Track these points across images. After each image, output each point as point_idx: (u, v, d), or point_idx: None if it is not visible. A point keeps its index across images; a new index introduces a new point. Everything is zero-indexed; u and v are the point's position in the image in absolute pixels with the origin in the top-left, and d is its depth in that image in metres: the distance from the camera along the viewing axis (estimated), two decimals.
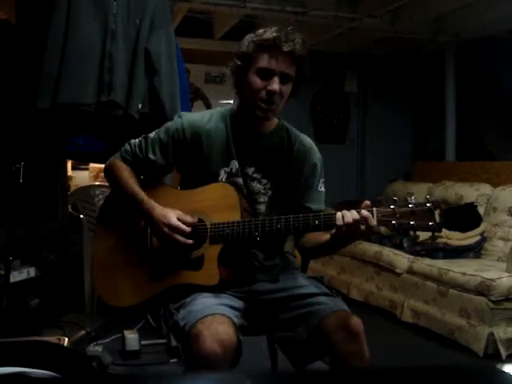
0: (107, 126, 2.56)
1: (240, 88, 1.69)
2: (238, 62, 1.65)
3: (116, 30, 2.45)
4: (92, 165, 4.44)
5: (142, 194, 1.67)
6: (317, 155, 1.79)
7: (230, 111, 1.76)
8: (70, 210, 3.31)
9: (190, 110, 3.20)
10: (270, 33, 1.59)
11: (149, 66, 2.50)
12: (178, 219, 1.61)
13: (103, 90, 2.43)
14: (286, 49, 1.58)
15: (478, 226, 3.79)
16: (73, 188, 3.93)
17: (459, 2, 4.15)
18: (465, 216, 3.90)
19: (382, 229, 4.03)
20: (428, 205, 1.45)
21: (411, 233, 1.53)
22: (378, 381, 0.82)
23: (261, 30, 1.62)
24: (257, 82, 1.62)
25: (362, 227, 1.45)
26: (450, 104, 5.10)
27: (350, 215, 1.46)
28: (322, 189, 1.78)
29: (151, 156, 1.71)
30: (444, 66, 5.14)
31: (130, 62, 2.48)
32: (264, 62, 1.60)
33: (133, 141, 1.77)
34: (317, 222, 1.53)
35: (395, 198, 1.47)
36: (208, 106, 5.04)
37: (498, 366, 2.81)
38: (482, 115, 5.44)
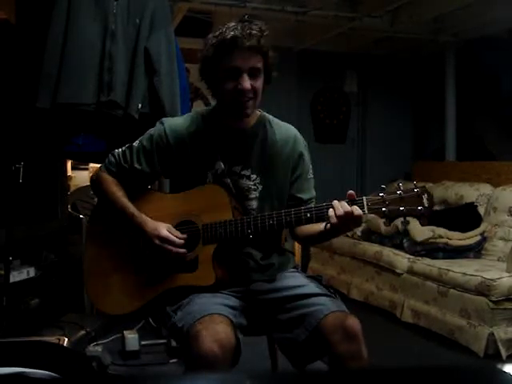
0: (107, 126, 2.56)
1: (213, 90, 1.69)
2: (204, 67, 1.65)
3: (116, 29, 2.44)
4: (92, 165, 4.42)
5: (132, 208, 1.68)
6: (302, 143, 1.79)
7: (210, 112, 1.76)
8: (69, 209, 3.31)
9: (189, 110, 3.20)
10: (227, 31, 1.57)
11: (149, 65, 2.49)
12: (169, 232, 1.63)
13: (103, 89, 2.42)
14: (246, 44, 1.57)
15: (478, 226, 3.79)
16: (72, 188, 3.93)
17: (459, 2, 4.15)
18: (465, 216, 3.90)
19: (383, 229, 4.03)
20: (416, 190, 1.48)
21: (403, 223, 1.56)
22: (377, 381, 0.81)
23: (217, 31, 1.60)
24: (227, 83, 1.61)
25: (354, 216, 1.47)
26: (450, 104, 5.10)
27: (341, 208, 1.48)
28: (311, 176, 1.79)
29: (136, 165, 1.71)
30: (444, 65, 5.14)
31: (129, 61, 2.48)
32: (229, 62, 1.59)
33: (116, 151, 1.76)
34: (309, 215, 1.55)
35: (383, 186, 1.51)
36: (208, 106, 5.03)
37: (499, 366, 2.80)
38: (481, 115, 5.44)
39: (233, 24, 1.59)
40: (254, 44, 1.57)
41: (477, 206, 3.93)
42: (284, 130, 1.78)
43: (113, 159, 1.75)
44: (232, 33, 1.57)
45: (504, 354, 2.92)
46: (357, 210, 1.47)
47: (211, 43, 1.61)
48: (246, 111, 1.65)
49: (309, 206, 1.63)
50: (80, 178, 4.45)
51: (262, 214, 1.60)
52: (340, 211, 1.48)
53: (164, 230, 1.63)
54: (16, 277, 2.61)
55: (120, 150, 1.76)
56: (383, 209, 1.48)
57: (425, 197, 1.48)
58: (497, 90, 5.07)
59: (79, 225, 3.23)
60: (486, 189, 4.01)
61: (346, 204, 1.49)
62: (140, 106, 2.46)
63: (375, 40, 5.33)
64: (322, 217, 1.54)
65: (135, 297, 1.70)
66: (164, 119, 1.78)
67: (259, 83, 1.63)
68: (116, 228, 1.75)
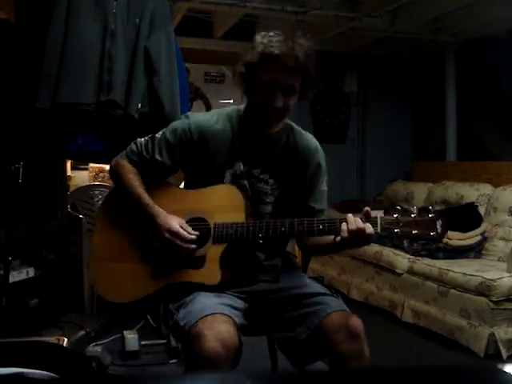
0: (107, 126, 2.56)
1: (247, 92, 1.68)
2: (243, 70, 1.64)
3: (115, 29, 2.44)
4: (92, 165, 4.42)
5: (147, 198, 1.68)
6: (321, 155, 1.81)
7: (236, 112, 1.76)
8: (69, 209, 3.31)
9: (189, 110, 3.19)
10: (275, 45, 1.56)
11: (148, 65, 2.49)
12: (181, 227, 1.62)
13: (103, 89, 2.42)
14: (289, 64, 1.57)
15: (478, 226, 3.79)
16: (72, 188, 3.93)
17: (459, 2, 4.15)
18: (465, 216, 3.89)
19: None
20: (430, 215, 1.49)
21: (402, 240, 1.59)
22: (378, 381, 0.81)
23: (267, 38, 1.58)
24: (260, 94, 1.61)
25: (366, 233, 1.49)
26: (451, 104, 5.10)
27: (355, 223, 1.50)
28: (325, 188, 1.81)
29: (158, 157, 1.71)
30: (444, 65, 5.14)
31: (129, 61, 2.47)
32: (267, 75, 1.59)
33: (139, 140, 1.77)
34: (321, 227, 1.56)
35: (398, 207, 1.53)
36: (208, 106, 5.03)
37: (499, 367, 2.80)
38: (482, 115, 5.43)
39: (282, 37, 1.57)
40: (295, 65, 1.57)
41: (477, 206, 3.92)
42: (305, 139, 1.79)
43: (135, 148, 1.75)
44: (278, 51, 1.55)
45: (504, 354, 2.91)
46: (369, 228, 1.49)
47: (257, 51, 1.59)
48: (271, 124, 1.67)
49: (320, 217, 1.65)
50: (80, 177, 4.45)
51: (275, 221, 1.61)
52: (353, 226, 1.50)
53: (176, 224, 1.62)
54: (15, 277, 2.60)
55: (142, 139, 1.76)
56: (396, 230, 1.50)
57: (439, 223, 1.48)
58: (497, 89, 5.07)
59: (79, 225, 3.23)
60: (487, 189, 4.01)
61: (359, 220, 1.50)
62: (140, 105, 2.46)
63: (375, 40, 5.33)
64: (334, 230, 1.55)
65: (139, 287, 1.69)
66: (190, 114, 1.79)
67: (292, 101, 1.64)
68: (128, 216, 1.74)
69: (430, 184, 4.55)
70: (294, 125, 1.81)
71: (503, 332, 2.94)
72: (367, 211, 1.52)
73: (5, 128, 2.61)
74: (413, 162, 5.60)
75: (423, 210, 1.50)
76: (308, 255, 1.96)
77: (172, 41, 2.60)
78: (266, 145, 1.73)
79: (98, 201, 3.47)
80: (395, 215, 1.50)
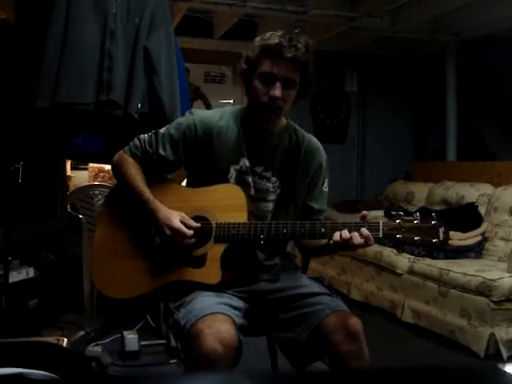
0: (106, 126, 2.56)
1: (247, 89, 1.71)
2: (244, 66, 1.68)
3: (115, 29, 2.43)
4: (91, 165, 4.42)
5: (148, 194, 1.67)
6: (323, 155, 1.82)
7: (240, 111, 1.77)
8: (69, 210, 3.31)
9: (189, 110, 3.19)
10: (274, 38, 1.61)
11: (148, 65, 2.49)
12: (181, 222, 1.61)
13: (102, 89, 2.41)
14: (288, 55, 1.59)
15: (478, 226, 3.78)
16: (72, 188, 3.93)
17: (459, 2, 4.14)
18: (466, 216, 3.89)
19: None
20: (433, 222, 1.49)
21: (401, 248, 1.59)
22: (378, 381, 0.81)
23: (267, 34, 1.64)
24: (260, 86, 1.64)
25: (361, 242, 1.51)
26: (451, 103, 5.10)
27: (342, 236, 1.52)
28: (326, 189, 1.82)
29: (161, 152, 1.71)
30: (444, 65, 5.14)
31: (129, 61, 2.47)
32: (266, 67, 1.62)
33: (142, 136, 1.76)
34: (323, 230, 1.57)
35: (401, 213, 1.52)
36: (208, 106, 5.03)
37: (500, 367, 2.80)
38: (482, 115, 5.43)
39: (281, 32, 1.62)
40: (295, 56, 1.60)
41: (477, 206, 3.92)
42: (308, 140, 1.80)
43: (138, 143, 1.75)
44: (277, 40, 1.60)
45: (505, 354, 2.91)
46: (356, 238, 1.50)
47: (257, 44, 1.64)
48: (270, 117, 1.68)
49: (319, 217, 1.68)
50: (79, 177, 4.45)
51: (277, 222, 1.62)
52: (337, 238, 1.52)
53: (177, 220, 1.61)
54: (15, 277, 2.60)
55: (146, 135, 1.76)
56: (398, 235, 1.50)
57: (441, 230, 1.48)
58: (498, 89, 5.07)
59: (78, 225, 3.23)
60: (487, 189, 4.00)
61: (346, 232, 1.51)
62: (139, 105, 2.46)
63: (376, 40, 5.33)
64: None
65: (139, 283, 1.69)
66: (194, 110, 1.79)
67: (291, 94, 1.66)
68: (130, 211, 1.73)
69: (431, 184, 4.54)
70: (297, 126, 1.82)
71: (504, 332, 2.94)
72: (364, 215, 1.53)
73: (4, 128, 2.61)
74: (413, 162, 5.60)
75: (426, 216, 1.50)
76: (305, 255, 1.95)
77: (172, 40, 2.60)
78: (270, 143, 1.74)
79: (98, 201, 3.46)
80: (398, 221, 1.50)
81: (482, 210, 3.90)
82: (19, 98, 2.53)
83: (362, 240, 1.50)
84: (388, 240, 1.53)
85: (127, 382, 0.99)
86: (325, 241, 1.63)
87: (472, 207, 3.92)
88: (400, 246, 1.53)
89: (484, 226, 3.78)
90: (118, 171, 1.75)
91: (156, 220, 1.64)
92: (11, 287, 2.51)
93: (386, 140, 5.89)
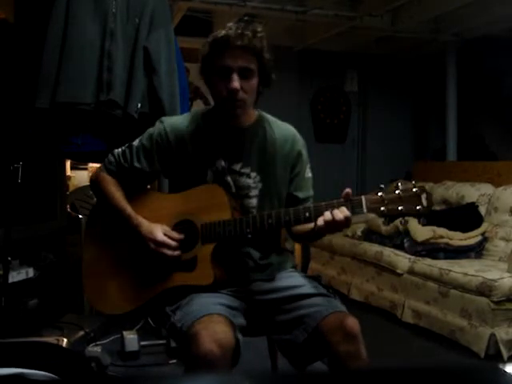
0: (106, 126, 2.55)
1: (210, 89, 1.70)
2: (202, 66, 1.67)
3: (115, 29, 2.43)
4: (91, 165, 4.42)
5: (129, 209, 1.68)
6: (300, 142, 1.80)
7: (209, 111, 1.77)
8: (68, 210, 3.30)
9: (189, 110, 3.18)
10: (221, 31, 1.60)
11: (148, 65, 2.48)
12: (165, 234, 1.63)
13: (102, 89, 2.41)
14: (237, 43, 1.58)
15: (479, 226, 3.78)
16: (72, 188, 3.92)
17: (459, 2, 4.14)
18: (466, 216, 3.88)
19: (383, 229, 4.02)
20: (414, 189, 1.48)
21: (402, 222, 1.57)
22: (377, 381, 0.81)
23: (216, 31, 1.63)
24: (217, 82, 1.63)
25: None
26: (451, 103, 5.09)
27: (330, 215, 1.49)
28: (309, 174, 1.80)
29: (136, 164, 1.72)
30: (445, 65, 5.13)
31: (129, 61, 2.47)
32: (219, 61, 1.61)
33: (116, 150, 1.77)
34: (307, 215, 1.55)
35: (382, 186, 1.51)
36: (207, 105, 5.02)
37: (500, 367, 2.79)
38: (483, 114, 5.43)
39: (230, 24, 1.61)
40: (244, 44, 1.58)
41: (478, 206, 3.92)
42: (283, 129, 1.79)
43: (112, 159, 1.75)
44: (224, 32, 1.59)
45: (505, 354, 2.90)
46: (337, 215, 1.48)
47: (208, 41, 1.64)
48: (235, 111, 1.66)
49: (306, 205, 1.63)
50: (79, 177, 4.45)
51: (261, 214, 1.61)
52: (328, 218, 1.49)
53: (160, 233, 1.63)
54: (15, 277, 2.60)
55: (120, 149, 1.76)
56: (382, 208, 1.48)
57: (423, 196, 1.47)
58: (498, 89, 5.07)
59: (78, 225, 3.23)
60: (487, 189, 4.00)
61: (329, 214, 1.49)
62: (139, 105, 2.45)
63: (376, 39, 5.33)
64: (320, 216, 1.53)
65: (134, 297, 1.70)
66: (163, 118, 1.79)
67: (251, 84, 1.64)
68: (114, 229, 1.75)
69: (431, 184, 4.54)
70: (269, 116, 1.80)
71: (504, 332, 2.93)
72: (347, 193, 1.50)
73: (4, 128, 2.60)
74: (413, 162, 5.59)
75: (407, 186, 1.49)
76: (298, 242, 1.94)
77: (172, 40, 2.59)
78: (243, 139, 1.72)
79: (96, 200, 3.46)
80: (379, 194, 1.49)
81: (482, 209, 3.90)
82: (19, 98, 2.53)
83: (342, 216, 1.48)
84: (373, 214, 1.52)
85: (127, 382, 0.98)
86: (312, 225, 1.61)
87: (472, 207, 3.92)
88: (386, 218, 1.52)
89: (484, 226, 3.78)
90: (97, 190, 1.77)
91: (140, 235, 1.65)
92: (11, 287, 2.51)
93: (386, 140, 5.88)
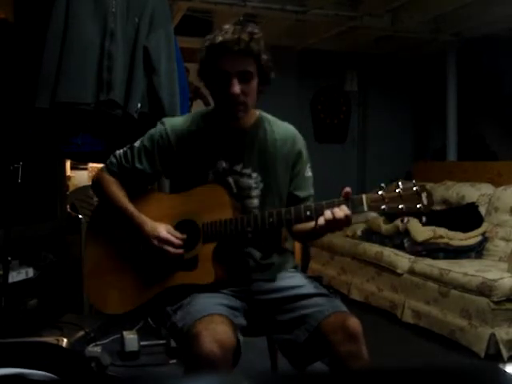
0: (106, 126, 2.55)
1: (210, 91, 1.71)
2: (201, 68, 1.67)
3: (115, 28, 2.43)
4: (91, 165, 4.42)
5: (132, 209, 1.69)
6: (300, 142, 1.80)
7: (210, 112, 1.77)
8: (68, 210, 3.30)
9: (189, 110, 3.19)
10: (218, 36, 1.60)
11: (148, 65, 2.48)
12: (168, 232, 1.64)
13: (102, 89, 2.41)
14: (235, 48, 1.58)
15: (479, 226, 3.78)
16: (72, 188, 3.92)
17: (459, 2, 4.14)
18: (466, 216, 3.88)
19: (383, 229, 4.02)
20: (414, 188, 1.48)
21: (403, 222, 1.57)
22: (378, 381, 0.80)
23: (213, 34, 1.63)
24: (218, 86, 1.64)
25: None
26: (452, 103, 5.09)
27: (331, 213, 1.50)
28: (310, 174, 1.80)
29: (138, 165, 1.72)
30: (445, 64, 5.14)
31: (129, 60, 2.47)
32: (219, 66, 1.61)
33: (118, 152, 1.78)
34: (308, 213, 1.55)
35: (383, 185, 1.51)
36: (207, 106, 5.02)
37: (500, 367, 2.79)
38: (483, 114, 5.43)
39: (226, 27, 1.61)
40: (242, 48, 1.58)
41: (478, 205, 3.91)
42: (283, 128, 1.79)
43: (114, 160, 1.76)
44: (221, 38, 1.59)
45: (505, 354, 2.90)
46: (337, 212, 1.48)
47: (205, 46, 1.63)
48: (237, 114, 1.66)
49: (307, 203, 1.64)
50: (79, 177, 4.45)
51: (262, 213, 1.61)
52: (329, 216, 1.49)
53: (163, 231, 1.64)
54: (15, 277, 2.60)
55: (121, 150, 1.77)
56: (382, 207, 1.49)
57: (424, 195, 1.47)
58: (498, 88, 5.06)
59: (78, 225, 3.23)
60: (488, 189, 4.00)
61: (329, 212, 1.49)
62: (139, 105, 2.45)
63: (376, 39, 5.33)
64: (321, 214, 1.53)
65: (135, 296, 1.70)
66: (165, 119, 1.79)
67: (251, 87, 1.64)
68: (116, 229, 1.75)
69: (431, 184, 4.53)
70: (269, 116, 1.80)
71: (504, 332, 2.93)
72: (347, 192, 1.50)
73: (4, 128, 2.60)
74: (413, 162, 5.59)
75: (407, 184, 1.49)
76: (299, 241, 1.94)
77: (172, 40, 2.59)
78: (244, 140, 1.73)
79: (98, 201, 3.46)
80: (380, 192, 1.49)
81: (482, 209, 3.89)
82: (19, 97, 2.53)
83: (342, 214, 1.48)
84: (374, 212, 1.52)
85: (127, 382, 0.98)
86: (313, 223, 1.61)
87: (472, 207, 3.91)
88: (387, 217, 1.52)
89: (484, 226, 3.77)
90: (99, 191, 1.77)
91: (144, 234, 1.66)
92: (11, 287, 2.51)
93: (385, 140, 5.88)
